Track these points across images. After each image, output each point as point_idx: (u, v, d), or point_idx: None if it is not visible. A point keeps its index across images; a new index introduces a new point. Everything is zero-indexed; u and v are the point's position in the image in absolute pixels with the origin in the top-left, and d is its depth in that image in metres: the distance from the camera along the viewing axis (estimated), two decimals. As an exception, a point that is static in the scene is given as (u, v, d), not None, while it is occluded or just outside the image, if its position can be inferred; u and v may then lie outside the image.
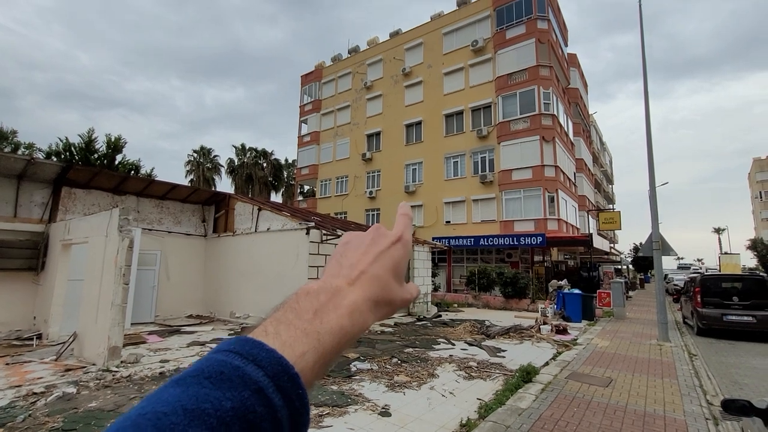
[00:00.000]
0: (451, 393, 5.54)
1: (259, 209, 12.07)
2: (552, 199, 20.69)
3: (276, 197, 46.46)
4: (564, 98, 25.20)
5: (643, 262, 45.67)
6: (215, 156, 43.64)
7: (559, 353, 8.26)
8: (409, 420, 4.57)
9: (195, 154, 42.63)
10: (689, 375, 6.71)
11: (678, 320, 14.78)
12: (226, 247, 12.76)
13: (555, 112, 21.65)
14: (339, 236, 11.13)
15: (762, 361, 8.36)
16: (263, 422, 0.29)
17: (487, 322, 11.57)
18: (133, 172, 25.37)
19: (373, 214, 27.82)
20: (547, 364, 7.32)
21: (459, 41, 25.30)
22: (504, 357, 7.80)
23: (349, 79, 31.46)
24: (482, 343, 8.98)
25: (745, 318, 10.61)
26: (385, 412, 4.74)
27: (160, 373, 6.20)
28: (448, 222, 23.74)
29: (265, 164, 44.84)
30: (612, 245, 37.68)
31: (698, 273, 20.25)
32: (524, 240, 19.66)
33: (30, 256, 9.44)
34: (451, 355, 7.76)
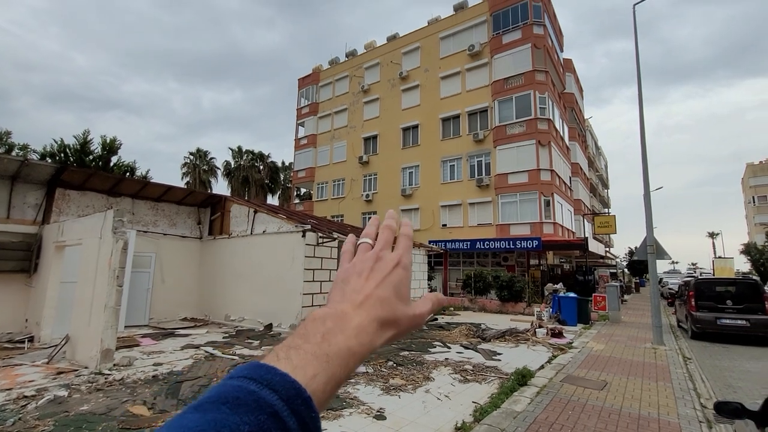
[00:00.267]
0: (446, 396, 5.53)
1: (255, 212, 12.04)
2: (548, 203, 20.79)
3: (272, 200, 46.37)
4: (560, 103, 25.39)
5: (639, 266, 45.89)
6: (212, 158, 43.54)
7: (555, 356, 8.27)
8: (404, 423, 4.55)
9: (191, 157, 42.49)
10: (683, 378, 6.74)
11: (673, 324, 14.85)
12: (221, 249, 12.70)
13: (551, 117, 21.80)
14: (335, 239, 11.13)
15: (755, 365, 8.41)
16: None
17: (482, 326, 11.57)
18: (128, 173, 25.23)
19: (369, 218, 27.67)
20: (542, 367, 7.32)
21: (456, 46, 25.47)
22: (499, 360, 7.79)
23: (347, 83, 31.55)
24: (478, 347, 8.97)
25: (739, 322, 10.68)
26: (380, 416, 4.72)
27: (153, 377, 6.14)
28: (444, 225, 23.78)
29: (261, 167, 44.75)
30: (607, 249, 37.87)
31: (693, 276, 20.39)
32: (520, 243, 19.72)
33: (23, 258, 9.34)
34: (446, 359, 7.75)
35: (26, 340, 8.35)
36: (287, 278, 10.51)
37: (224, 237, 12.70)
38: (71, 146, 24.34)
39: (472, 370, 6.89)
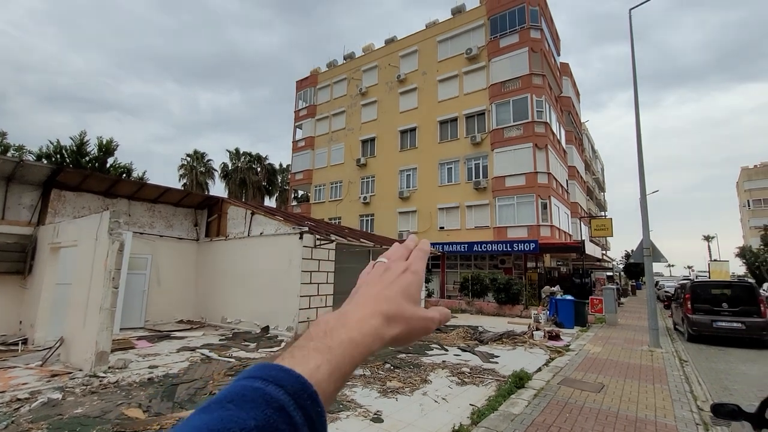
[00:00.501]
0: (443, 399, 5.51)
1: (252, 213, 12.01)
2: (545, 206, 20.85)
3: (270, 202, 46.29)
4: (556, 106, 25.52)
5: (635, 269, 46.09)
6: (209, 160, 43.46)
7: (552, 359, 8.28)
8: (401, 426, 4.53)
9: (188, 158, 42.39)
10: (680, 381, 6.75)
11: (669, 327, 14.90)
12: (218, 251, 12.65)
13: (548, 120, 21.90)
14: (332, 241, 11.11)
15: (751, 367, 8.45)
16: None
17: (480, 328, 11.57)
18: (124, 175, 25.15)
19: (367, 220, 27.80)
20: (539, 369, 7.32)
21: (453, 49, 25.58)
22: (497, 363, 7.79)
23: (344, 85, 31.59)
24: (475, 349, 8.97)
25: (735, 324, 10.73)
26: (377, 418, 4.70)
27: (149, 379, 6.09)
28: (441, 228, 23.79)
29: (259, 169, 44.70)
30: (604, 252, 38.01)
31: (689, 279, 20.48)
32: (517, 246, 19.76)
33: (17, 260, 9.27)
34: (444, 361, 7.74)
35: (20, 342, 8.27)
36: (284, 280, 10.47)
37: (221, 239, 12.65)
38: (67, 147, 24.26)
39: (470, 373, 6.88)
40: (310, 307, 10.32)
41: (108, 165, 25.59)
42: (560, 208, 23.21)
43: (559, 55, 27.52)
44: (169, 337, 9.73)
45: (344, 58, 32.62)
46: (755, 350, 10.35)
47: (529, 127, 21.40)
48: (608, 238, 43.77)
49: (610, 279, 38.08)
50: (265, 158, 45.58)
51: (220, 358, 7.57)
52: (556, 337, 10.50)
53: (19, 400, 5.03)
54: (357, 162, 28.76)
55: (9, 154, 28.09)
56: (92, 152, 25.09)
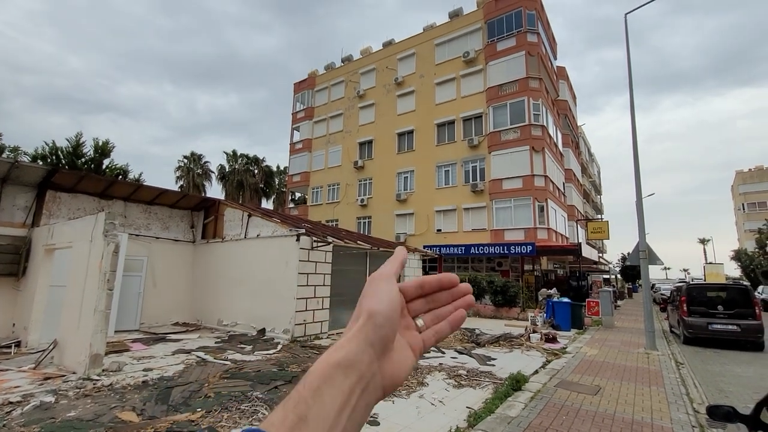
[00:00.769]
0: (440, 401, 5.50)
1: (249, 215, 11.97)
2: (542, 209, 20.92)
3: (267, 204, 46.16)
4: (553, 110, 25.66)
5: (631, 271, 46.26)
6: (206, 162, 43.29)
7: (549, 361, 8.28)
8: (397, 429, 4.51)
9: (185, 160, 42.22)
10: (676, 383, 6.77)
11: (665, 329, 14.95)
12: (214, 253, 12.59)
13: (544, 123, 22.01)
14: (329, 243, 11.08)
15: (746, 370, 8.48)
16: None
17: (477, 331, 11.56)
18: (120, 176, 25.03)
19: (364, 222, 27.78)
20: (536, 372, 7.32)
21: (451, 52, 25.69)
22: (494, 365, 7.78)
23: (342, 88, 31.64)
24: (472, 352, 8.96)
25: (730, 327, 10.78)
26: (373, 421, 4.68)
27: (143, 382, 6.04)
28: (439, 230, 23.81)
29: (256, 171, 44.59)
30: (600, 255, 38.13)
31: (684, 282, 20.58)
32: (514, 249, 19.79)
33: (11, 261, 9.18)
34: (440, 364, 7.72)
35: (13, 345, 8.18)
36: (281, 282, 10.43)
37: (218, 241, 12.60)
38: (63, 149, 24.14)
39: (467, 375, 6.86)
40: (306, 310, 10.28)
41: (104, 166, 25.47)
42: (557, 211, 23.30)
43: (555, 58, 27.69)
44: (164, 339, 9.66)
45: (342, 61, 32.70)
46: (750, 353, 10.40)
47: (526, 130, 21.49)
48: (605, 241, 43.93)
49: (607, 282, 38.21)
50: (263, 160, 45.49)
51: (215, 360, 7.52)
52: (552, 339, 10.51)
53: (11, 403, 4.97)
54: (354, 164, 28.76)
55: (4, 155, 27.90)
56: (88, 154, 24.97)
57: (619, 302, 27.55)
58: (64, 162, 23.60)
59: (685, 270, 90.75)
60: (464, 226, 22.94)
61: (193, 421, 4.54)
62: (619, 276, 49.61)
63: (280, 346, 8.95)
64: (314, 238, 10.68)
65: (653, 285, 32.08)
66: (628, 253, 13.14)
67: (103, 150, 25.40)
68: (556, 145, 25.28)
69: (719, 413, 1.95)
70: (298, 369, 6.95)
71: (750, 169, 64.49)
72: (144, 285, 11.55)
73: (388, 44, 29.59)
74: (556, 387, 6.28)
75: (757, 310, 10.71)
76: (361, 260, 12.80)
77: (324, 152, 31.78)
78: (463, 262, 23.56)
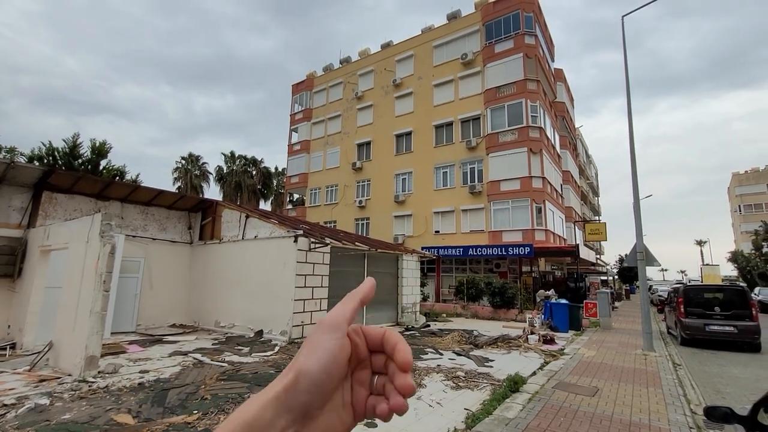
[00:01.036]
0: (438, 403, 5.48)
1: (247, 217, 11.94)
2: (539, 210, 20.95)
3: (265, 205, 46.09)
4: (551, 111, 25.73)
5: (629, 273, 46.39)
6: (204, 163, 43.20)
7: (547, 363, 8.27)
8: (395, 431, 4.49)
9: (183, 161, 42.12)
10: (673, 384, 6.78)
11: (662, 330, 14.98)
12: (212, 254, 12.55)
13: (542, 125, 22.07)
14: (327, 244, 11.06)
15: (743, 370, 8.50)
16: None
17: (475, 332, 11.55)
18: (117, 177, 24.93)
19: (362, 223, 27.76)
20: (534, 373, 7.31)
21: (449, 54, 25.75)
22: (492, 367, 7.77)
23: (341, 89, 31.66)
24: (470, 353, 8.94)
25: (727, 328, 10.81)
26: (370, 423, 4.66)
27: (139, 384, 6.00)
28: (437, 232, 23.82)
29: (254, 172, 44.52)
30: (598, 256, 38.24)
31: (681, 283, 20.65)
32: (512, 250, 19.81)
33: (6, 262, 9.13)
34: (438, 365, 7.71)
35: (8, 346, 8.12)
36: (278, 284, 10.40)
37: (215, 242, 12.56)
38: (60, 149, 24.03)
39: (465, 377, 6.85)
40: (304, 311, 10.25)
41: (101, 168, 25.37)
42: (555, 213, 23.34)
43: (553, 60, 27.80)
44: (161, 341, 9.61)
45: (340, 62, 32.72)
46: (747, 354, 10.43)
47: (524, 131, 21.55)
48: (602, 243, 44.06)
49: (604, 283, 38.32)
50: (261, 161, 45.41)
51: (212, 362, 7.48)
52: (550, 340, 10.51)
53: (5, 405, 4.93)
54: (353, 165, 28.76)
55: (0, 156, 27.77)
56: (85, 155, 24.87)
57: (616, 303, 27.60)
58: (60, 163, 23.50)
59: (682, 271, 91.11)
60: (462, 227, 22.95)
61: (189, 423, 4.51)
62: (616, 277, 49.75)
63: (277, 348, 8.91)
64: (312, 240, 10.66)
65: (650, 286, 32.18)
66: (626, 255, 13.17)
67: (100, 151, 25.30)
68: (554, 147, 25.35)
69: (716, 414, 1.95)
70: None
71: (746, 171, 64.83)
72: (141, 286, 11.49)
73: (386, 46, 29.64)
74: (554, 388, 6.27)
75: (753, 312, 10.74)
76: (359, 261, 12.78)
77: (322, 154, 31.76)
78: (461, 264, 23.57)
